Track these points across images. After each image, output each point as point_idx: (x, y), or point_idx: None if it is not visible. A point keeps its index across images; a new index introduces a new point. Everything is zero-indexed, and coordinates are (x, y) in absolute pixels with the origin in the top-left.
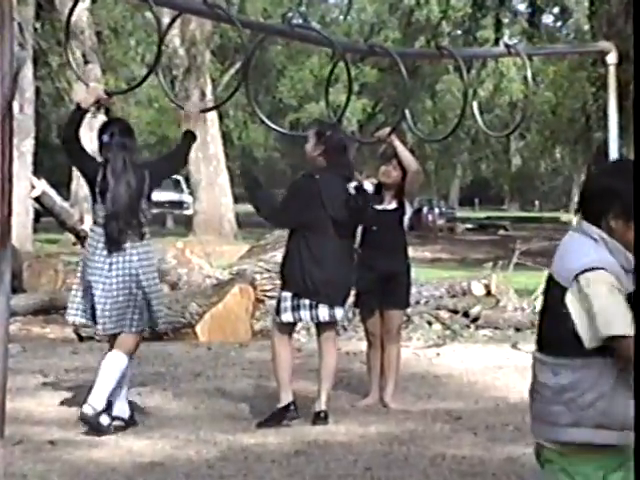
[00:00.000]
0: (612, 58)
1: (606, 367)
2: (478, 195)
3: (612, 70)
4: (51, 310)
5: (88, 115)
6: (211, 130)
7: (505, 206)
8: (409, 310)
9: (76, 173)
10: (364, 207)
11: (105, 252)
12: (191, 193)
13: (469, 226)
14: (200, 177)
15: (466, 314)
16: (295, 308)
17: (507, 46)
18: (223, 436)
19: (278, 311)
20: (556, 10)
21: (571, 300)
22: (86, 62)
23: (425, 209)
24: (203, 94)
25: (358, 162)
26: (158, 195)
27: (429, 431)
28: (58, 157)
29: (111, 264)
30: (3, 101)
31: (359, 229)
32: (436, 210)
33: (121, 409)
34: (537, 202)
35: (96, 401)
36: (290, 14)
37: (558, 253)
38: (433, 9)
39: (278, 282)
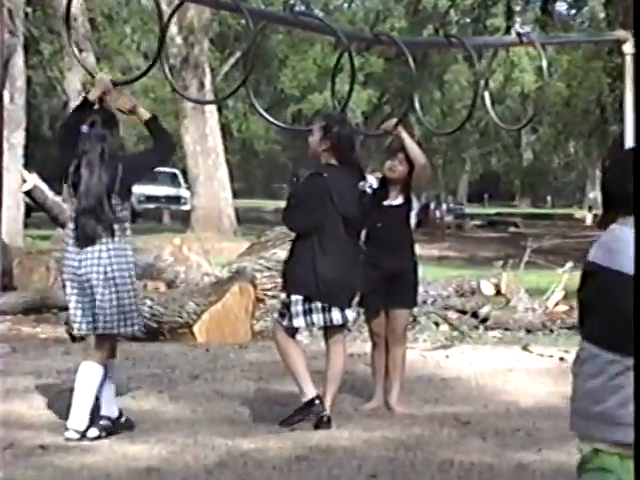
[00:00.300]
0: (629, 47)
1: None
2: (488, 190)
3: (629, 60)
4: (42, 309)
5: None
6: (210, 122)
7: (516, 202)
8: (415, 310)
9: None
10: (374, 206)
11: (76, 249)
12: (189, 187)
13: (478, 223)
14: (198, 171)
15: (475, 314)
16: (307, 312)
17: (519, 35)
18: (222, 441)
19: (288, 316)
20: None
21: None
22: (79, 50)
23: (432, 205)
24: (201, 85)
25: (363, 156)
26: (154, 190)
27: (436, 436)
28: (50, 149)
29: (80, 261)
30: None
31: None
32: (444, 206)
33: (108, 409)
34: (549, 198)
35: (77, 423)
36: (292, 1)
37: (613, 246)
38: None
39: (279, 281)
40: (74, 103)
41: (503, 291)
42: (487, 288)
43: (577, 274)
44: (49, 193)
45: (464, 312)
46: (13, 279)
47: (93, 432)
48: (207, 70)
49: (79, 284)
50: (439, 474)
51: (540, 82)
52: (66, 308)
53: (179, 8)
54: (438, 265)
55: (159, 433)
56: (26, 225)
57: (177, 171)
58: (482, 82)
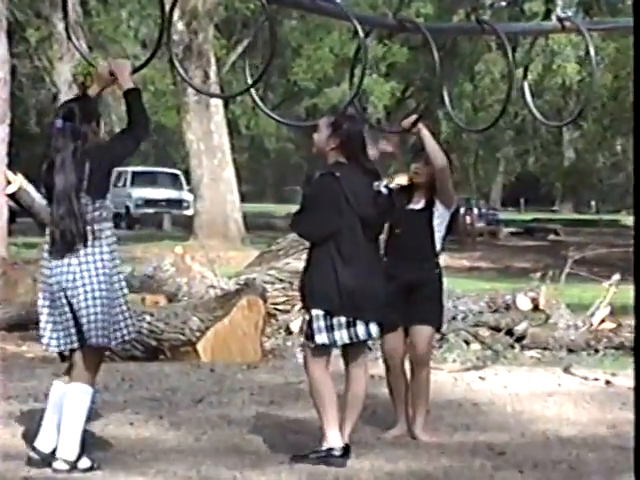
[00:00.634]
0: None
1: None
2: (524, 194)
3: None
4: (29, 325)
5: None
6: (215, 117)
7: (556, 207)
8: (443, 327)
9: None
10: (389, 210)
11: (48, 256)
12: (191, 190)
13: (513, 230)
14: (202, 172)
15: (510, 332)
16: (329, 328)
17: (560, 20)
18: (228, 472)
19: (310, 334)
20: None
21: None
22: (70, 38)
23: (462, 210)
24: (206, 75)
25: (385, 155)
26: (154, 193)
27: (467, 468)
28: (37, 147)
29: (51, 269)
30: None
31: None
32: (475, 211)
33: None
34: (593, 202)
35: (67, 452)
36: None
37: None
38: None
39: (292, 294)
40: (64, 95)
41: (542, 306)
42: (524, 303)
43: (624, 287)
44: (36, 196)
45: (498, 329)
46: None
47: (85, 463)
48: (212, 60)
49: (50, 294)
50: None
51: (584, 73)
52: None
53: None
54: (469, 277)
55: (158, 464)
56: (10, 232)
57: (179, 172)
58: (520, 72)
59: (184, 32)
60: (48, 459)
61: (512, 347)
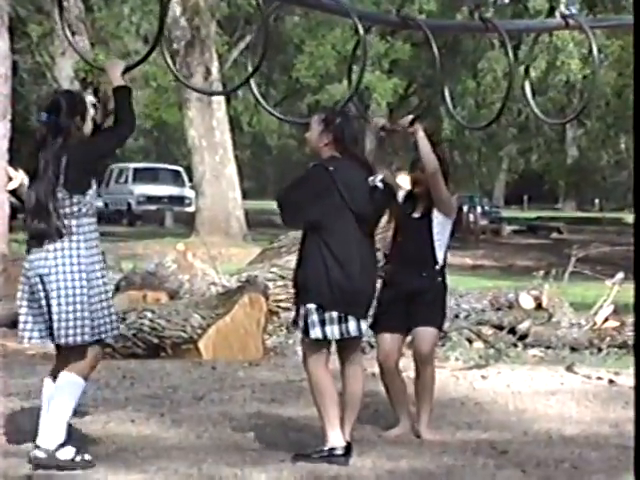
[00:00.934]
0: None
1: None
2: (527, 192)
3: None
4: None
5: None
6: (217, 114)
7: (559, 205)
8: (446, 325)
9: None
10: (385, 205)
11: (27, 250)
12: (193, 187)
13: (516, 228)
14: (204, 168)
15: (513, 331)
16: (322, 323)
17: (564, 17)
18: (230, 470)
19: (306, 329)
20: None
21: None
22: (72, 33)
23: (465, 208)
24: (208, 72)
25: (387, 152)
26: (155, 189)
27: (469, 467)
28: None
29: (30, 262)
30: None
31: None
32: (478, 209)
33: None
34: (597, 200)
35: (47, 441)
36: None
37: None
38: None
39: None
40: None
41: (545, 305)
42: (526, 301)
43: (628, 286)
44: None
45: (501, 328)
46: None
47: (66, 453)
48: (214, 56)
49: (29, 288)
50: None
51: (588, 70)
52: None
53: None
54: (472, 275)
55: (159, 461)
56: (11, 228)
57: (180, 169)
58: (521, 70)
59: (186, 28)
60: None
61: (515, 346)
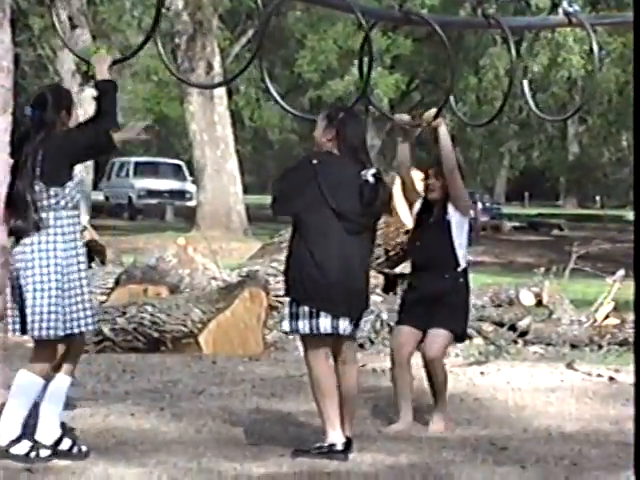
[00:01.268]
0: None
1: None
2: (528, 188)
3: None
4: None
5: (75, 89)
6: (218, 108)
7: (560, 202)
8: None
9: None
10: (374, 200)
11: (13, 242)
12: (194, 181)
13: (517, 224)
14: (205, 162)
15: (513, 327)
16: (293, 316)
17: (567, 14)
18: (229, 464)
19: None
20: None
21: None
22: (73, 27)
23: None
24: (210, 66)
25: (389, 148)
26: (156, 183)
27: (469, 463)
28: None
29: (12, 256)
30: None
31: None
32: (479, 205)
33: (42, 433)
34: (598, 197)
35: (1, 434)
36: None
37: None
38: None
39: None
40: (67, 84)
41: (545, 301)
42: (527, 298)
43: (629, 283)
44: None
45: (501, 324)
46: None
47: (20, 448)
48: (216, 50)
49: (11, 281)
50: None
51: (590, 66)
52: None
53: None
54: (472, 271)
55: (159, 455)
56: None
57: (182, 163)
58: (521, 67)
59: (188, 22)
60: (53, 449)
61: (515, 342)
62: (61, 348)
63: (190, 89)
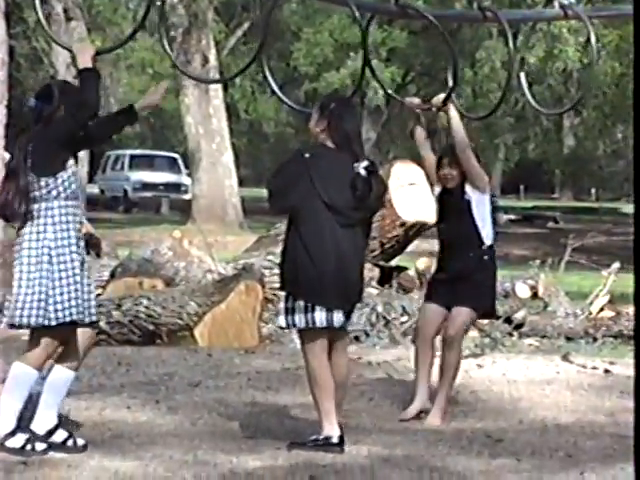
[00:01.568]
0: None
1: None
2: (524, 181)
3: None
4: None
5: (70, 79)
6: (214, 101)
7: (556, 194)
8: None
9: None
10: (367, 193)
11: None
12: (190, 174)
13: (513, 217)
14: (200, 155)
15: (509, 320)
16: (289, 311)
17: (563, 7)
18: (225, 457)
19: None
20: None
21: None
22: (68, 19)
23: None
24: (205, 59)
25: (385, 140)
26: (152, 176)
27: (465, 455)
28: None
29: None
30: None
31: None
32: None
33: (37, 423)
34: (593, 190)
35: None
36: None
37: None
38: None
39: None
40: (62, 77)
41: (541, 294)
42: (522, 290)
43: (624, 276)
44: None
45: (497, 317)
46: None
47: (15, 441)
48: (212, 43)
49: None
50: None
51: (585, 58)
52: None
53: None
54: None
55: (155, 448)
56: None
57: (177, 156)
58: (517, 59)
59: (184, 15)
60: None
61: (510, 335)
62: (61, 339)
63: (186, 82)
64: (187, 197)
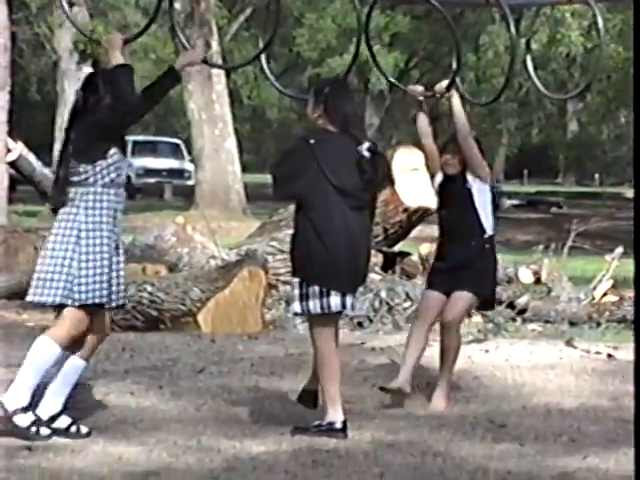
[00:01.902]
0: None
1: None
2: (527, 166)
3: None
4: None
5: (72, 67)
6: (217, 87)
7: (559, 179)
8: None
9: (59, 134)
10: (374, 175)
11: None
12: (193, 160)
13: (516, 202)
14: (203, 142)
15: (512, 305)
16: (303, 297)
17: None
18: (229, 442)
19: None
20: None
21: None
22: (71, 4)
23: None
24: (208, 45)
25: (388, 126)
26: (155, 162)
27: (468, 440)
28: (38, 115)
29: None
30: None
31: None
32: None
33: (43, 408)
34: (597, 175)
35: (8, 400)
36: None
37: None
38: None
39: None
40: (65, 63)
41: (544, 279)
42: (526, 276)
43: (627, 261)
44: (37, 164)
45: (500, 302)
46: None
47: (23, 419)
48: (214, 29)
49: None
50: None
51: (589, 43)
52: None
53: None
54: None
55: (159, 433)
56: (11, 200)
57: (180, 142)
58: (523, 44)
59: (186, 1)
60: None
61: (514, 320)
62: (86, 322)
63: (188, 68)
64: (190, 183)
